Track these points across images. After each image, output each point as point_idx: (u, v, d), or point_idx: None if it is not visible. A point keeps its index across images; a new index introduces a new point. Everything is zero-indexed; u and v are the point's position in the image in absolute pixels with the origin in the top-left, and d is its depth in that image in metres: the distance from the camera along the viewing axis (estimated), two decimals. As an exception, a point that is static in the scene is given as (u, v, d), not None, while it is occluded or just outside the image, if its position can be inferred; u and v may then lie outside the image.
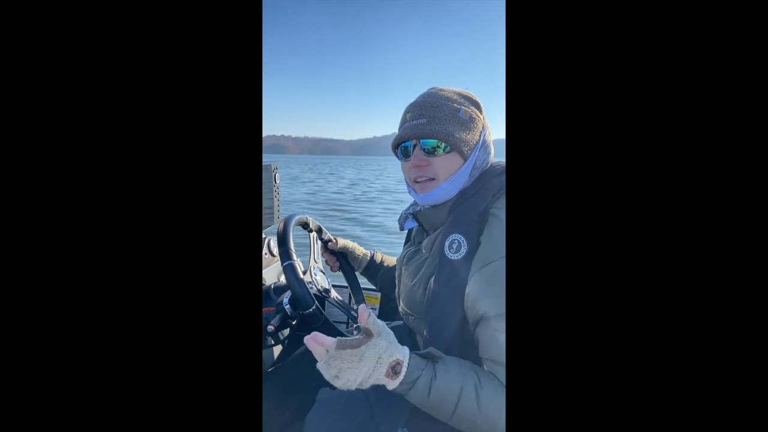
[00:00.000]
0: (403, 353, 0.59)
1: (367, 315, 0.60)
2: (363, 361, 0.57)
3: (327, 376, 0.57)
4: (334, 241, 0.97)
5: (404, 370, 0.58)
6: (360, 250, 1.02)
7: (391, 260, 1.04)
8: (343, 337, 0.59)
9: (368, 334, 0.59)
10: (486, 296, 0.60)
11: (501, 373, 0.58)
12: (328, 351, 0.57)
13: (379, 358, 0.58)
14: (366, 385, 0.58)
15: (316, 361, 0.62)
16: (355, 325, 0.69)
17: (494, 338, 0.59)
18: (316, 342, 0.58)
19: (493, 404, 0.56)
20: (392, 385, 0.58)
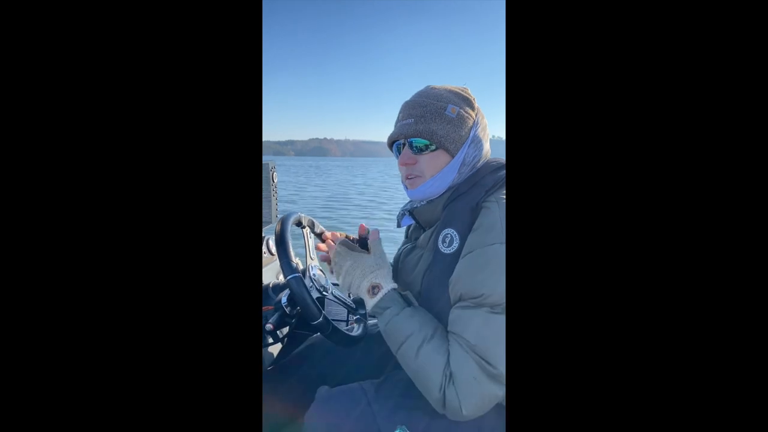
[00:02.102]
0: (386, 282, 0.71)
1: (376, 238, 0.76)
2: (352, 265, 0.72)
3: (333, 270, 0.75)
4: (326, 234, 0.96)
5: (380, 294, 0.69)
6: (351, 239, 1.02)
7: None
8: (349, 242, 0.75)
9: (368, 250, 0.74)
10: (463, 279, 0.63)
11: (459, 342, 0.62)
12: (336, 248, 0.75)
13: (363, 271, 0.71)
14: (354, 290, 0.72)
15: (316, 360, 0.66)
16: (356, 317, 0.84)
17: (460, 315, 0.63)
18: (331, 245, 0.77)
19: (430, 359, 0.63)
20: (369, 304, 0.70)
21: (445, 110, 0.72)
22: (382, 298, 0.69)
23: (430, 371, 0.62)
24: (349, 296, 1.00)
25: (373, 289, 0.69)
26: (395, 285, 0.71)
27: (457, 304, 0.65)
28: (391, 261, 1.03)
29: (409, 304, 0.69)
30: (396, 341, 0.66)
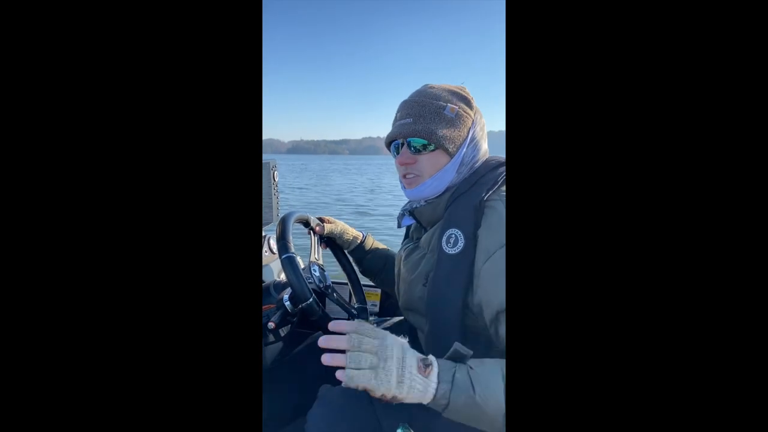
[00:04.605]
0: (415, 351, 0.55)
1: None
2: (387, 344, 0.52)
3: (360, 377, 0.50)
4: (322, 226, 0.96)
5: (435, 364, 0.52)
6: (350, 232, 1.01)
7: (380, 247, 1.04)
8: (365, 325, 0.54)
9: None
10: (498, 289, 0.59)
11: None
12: (352, 337, 0.51)
13: (403, 345, 0.53)
14: (404, 386, 0.50)
15: (317, 357, 0.61)
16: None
17: None
18: (333, 338, 0.52)
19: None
20: (431, 384, 0.51)
21: (444, 110, 0.72)
22: (441, 369, 0.52)
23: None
24: (351, 300, 1.00)
25: (424, 361, 0.53)
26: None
27: (503, 320, 0.58)
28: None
29: (456, 359, 0.55)
30: (498, 399, 0.50)
